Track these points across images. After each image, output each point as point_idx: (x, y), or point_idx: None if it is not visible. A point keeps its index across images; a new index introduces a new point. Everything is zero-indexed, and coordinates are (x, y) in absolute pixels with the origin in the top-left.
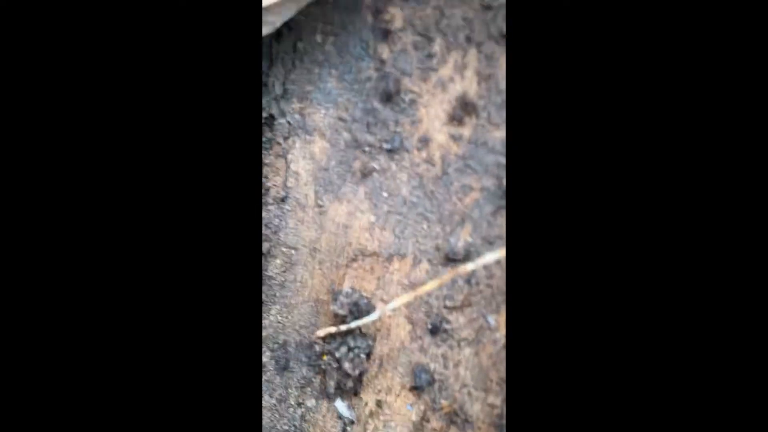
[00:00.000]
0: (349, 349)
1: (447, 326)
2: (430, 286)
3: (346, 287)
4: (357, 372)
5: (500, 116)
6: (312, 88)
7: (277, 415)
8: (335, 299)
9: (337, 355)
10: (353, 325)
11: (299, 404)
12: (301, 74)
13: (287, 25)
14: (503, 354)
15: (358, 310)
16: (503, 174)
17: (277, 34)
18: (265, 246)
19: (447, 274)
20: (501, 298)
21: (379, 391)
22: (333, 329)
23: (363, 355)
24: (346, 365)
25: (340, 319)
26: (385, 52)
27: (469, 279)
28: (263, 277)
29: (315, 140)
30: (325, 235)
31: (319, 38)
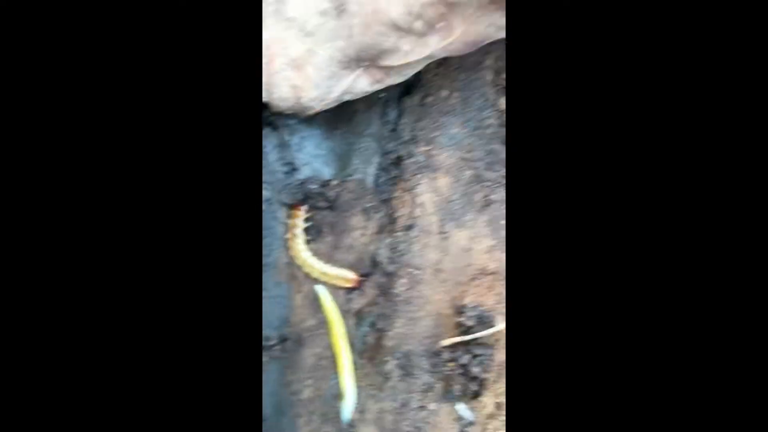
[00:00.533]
0: (474, 357)
1: None
2: None
3: (467, 303)
4: (485, 375)
5: None
6: (438, 134)
7: (400, 417)
8: (461, 312)
9: (462, 361)
10: (479, 334)
11: (421, 407)
12: (428, 123)
13: (417, 83)
14: None
15: (481, 322)
16: None
17: (407, 90)
18: (392, 267)
19: None
20: None
21: (499, 394)
22: (458, 339)
23: (487, 361)
24: (475, 369)
25: (465, 330)
26: (504, 103)
27: None
28: (389, 294)
29: (440, 176)
30: (448, 257)
31: (444, 93)
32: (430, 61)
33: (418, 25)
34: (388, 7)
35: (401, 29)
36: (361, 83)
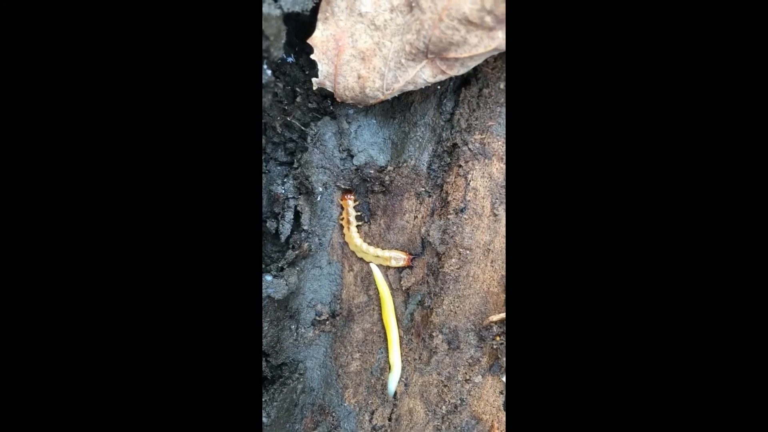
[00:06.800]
0: None
1: None
2: None
3: None
4: None
5: None
6: (493, 123)
7: (445, 390)
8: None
9: None
10: None
11: (467, 380)
12: (484, 113)
13: (475, 76)
14: None
15: None
16: None
17: (466, 81)
18: (442, 248)
19: None
20: None
21: None
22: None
23: None
24: None
25: None
26: None
27: None
28: (439, 273)
29: (493, 163)
30: (498, 238)
31: (501, 85)
32: (496, 53)
33: (489, 19)
34: (461, 3)
35: (472, 23)
36: (425, 74)
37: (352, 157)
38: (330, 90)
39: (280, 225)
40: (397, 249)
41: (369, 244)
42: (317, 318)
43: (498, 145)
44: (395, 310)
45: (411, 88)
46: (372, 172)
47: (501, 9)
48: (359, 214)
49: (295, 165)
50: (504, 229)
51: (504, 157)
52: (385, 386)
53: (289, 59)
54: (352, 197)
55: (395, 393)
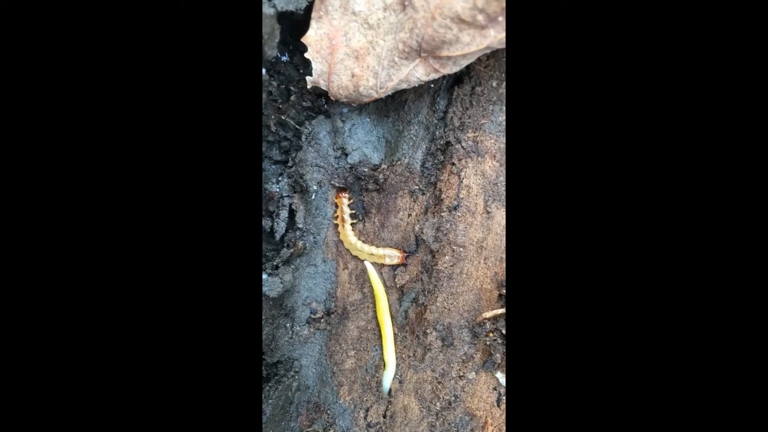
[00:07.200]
0: None
1: None
2: None
3: None
4: None
5: None
6: (485, 121)
7: (439, 387)
8: (503, 286)
9: (504, 331)
10: None
11: (460, 377)
12: (476, 111)
13: (468, 74)
14: None
15: None
16: None
17: (459, 80)
18: (436, 245)
19: None
20: None
21: None
22: (500, 311)
23: None
24: None
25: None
26: None
27: None
28: (433, 270)
29: (486, 161)
30: (491, 235)
31: (494, 83)
32: (488, 51)
33: (481, 18)
34: (453, 2)
35: (464, 22)
36: (418, 72)
37: (346, 155)
38: (324, 88)
39: (275, 223)
40: (391, 247)
41: (363, 242)
42: (312, 316)
43: (491, 143)
44: (389, 307)
45: (404, 86)
46: (366, 170)
47: (493, 7)
48: (353, 212)
49: (290, 163)
50: (496, 226)
51: (496, 155)
52: (379, 383)
53: (284, 58)
54: (347, 195)
55: (390, 390)
